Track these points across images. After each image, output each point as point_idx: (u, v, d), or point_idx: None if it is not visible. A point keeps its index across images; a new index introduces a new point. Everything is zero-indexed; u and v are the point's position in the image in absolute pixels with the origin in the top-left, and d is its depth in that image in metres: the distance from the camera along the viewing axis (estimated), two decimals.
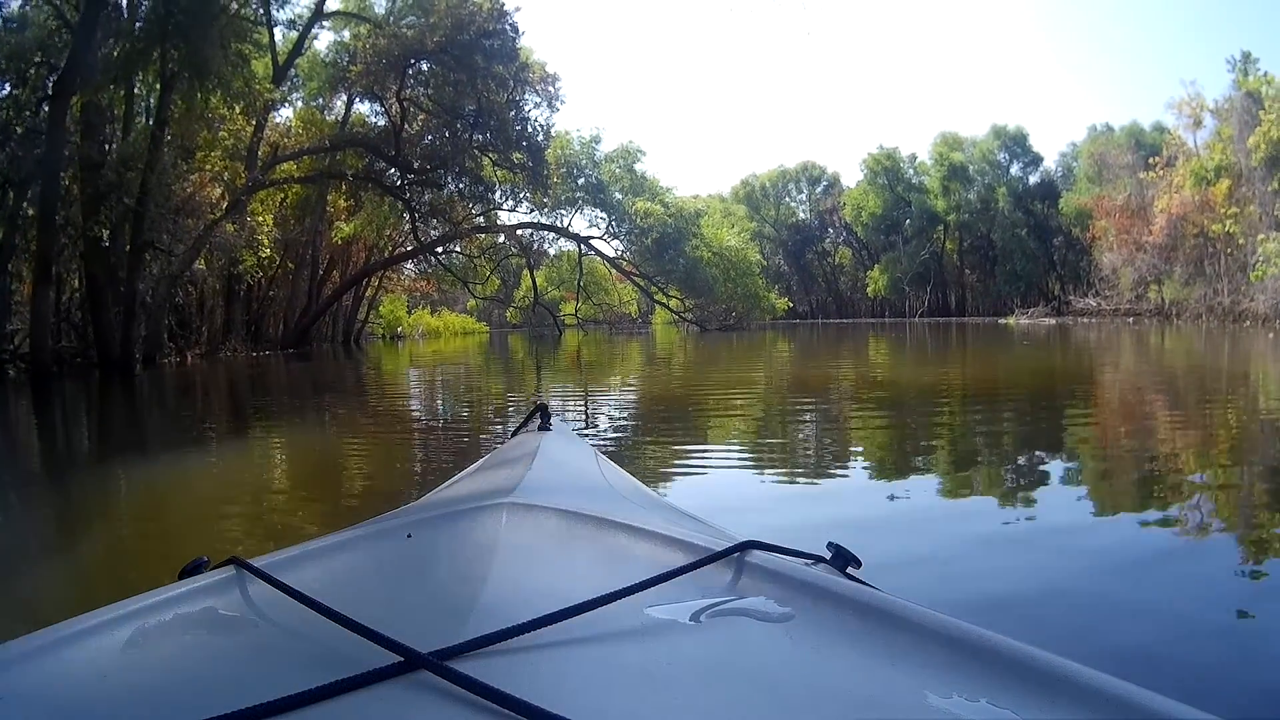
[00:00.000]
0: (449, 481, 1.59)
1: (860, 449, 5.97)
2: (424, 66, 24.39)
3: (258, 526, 3.85)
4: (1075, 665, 0.58)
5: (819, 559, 0.89)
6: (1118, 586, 2.74)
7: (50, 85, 15.51)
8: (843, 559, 0.89)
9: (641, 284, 37.46)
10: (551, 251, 42.15)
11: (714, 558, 0.79)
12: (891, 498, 4.20)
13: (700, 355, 19.65)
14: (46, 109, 15.47)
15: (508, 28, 24.19)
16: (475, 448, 5.72)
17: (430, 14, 23.33)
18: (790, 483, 4.54)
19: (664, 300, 37.38)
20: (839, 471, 4.95)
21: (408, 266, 36.44)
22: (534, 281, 36.67)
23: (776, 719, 0.55)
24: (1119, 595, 2.65)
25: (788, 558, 0.84)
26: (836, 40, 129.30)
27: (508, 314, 48.37)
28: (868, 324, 46.81)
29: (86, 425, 9.43)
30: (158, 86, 17.33)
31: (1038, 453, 5.55)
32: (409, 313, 43.85)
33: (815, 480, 4.63)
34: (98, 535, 3.89)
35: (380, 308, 39.36)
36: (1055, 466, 5.10)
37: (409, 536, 0.90)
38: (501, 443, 1.89)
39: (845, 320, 55.47)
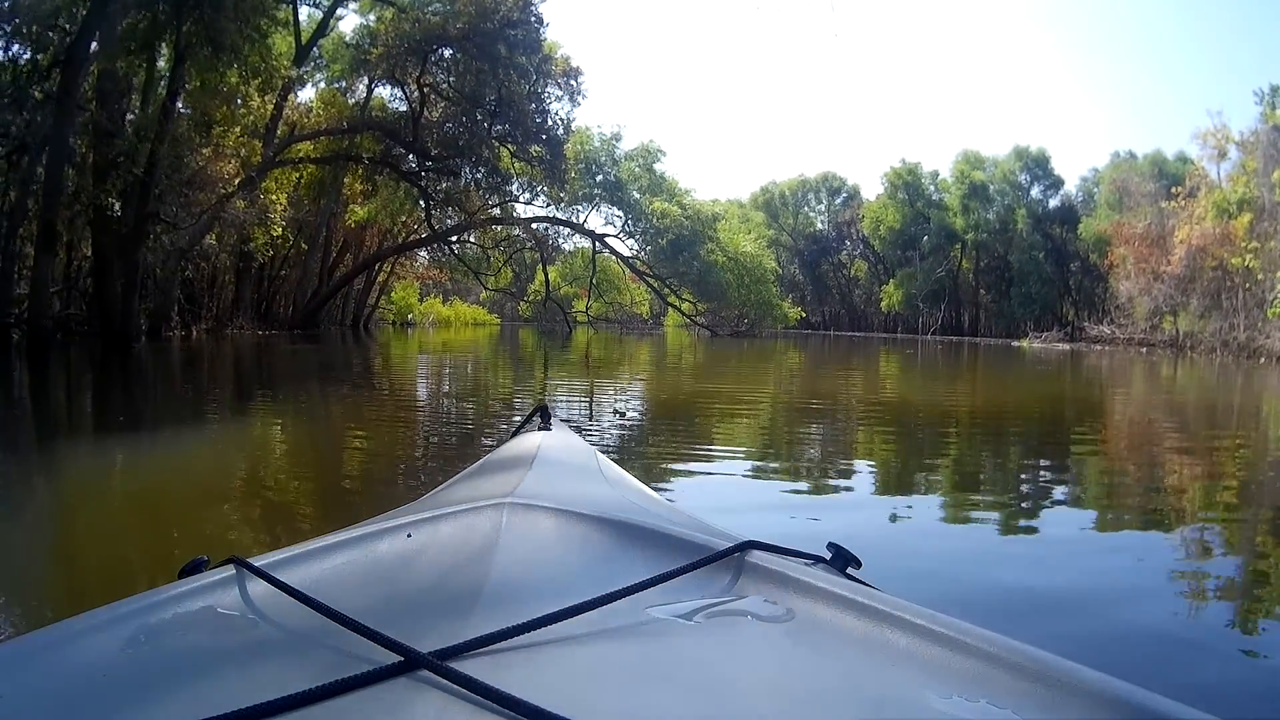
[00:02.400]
0: (449, 481, 1.58)
1: (864, 455, 5.99)
2: (446, 53, 24.41)
3: (226, 516, 3.75)
4: (1075, 665, 0.58)
5: (819, 559, 0.90)
6: (1117, 590, 2.79)
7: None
8: (843, 559, 0.90)
9: (654, 285, 37.42)
10: (566, 247, 42.14)
11: (714, 558, 0.80)
12: (892, 501, 4.22)
13: (709, 359, 19.60)
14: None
15: (533, 19, 24.20)
16: (477, 445, 5.65)
17: (455, 0, 23.30)
18: (792, 485, 4.52)
19: (676, 303, 37.37)
20: (841, 475, 4.97)
21: (421, 254, 36.52)
22: (547, 276, 36.70)
23: (776, 719, 0.56)
24: (1118, 599, 2.70)
25: (788, 558, 0.84)
26: (862, 53, 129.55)
27: (519, 307, 48.41)
28: (880, 338, 46.65)
29: (51, 396, 9.30)
30: (173, 58, 17.33)
31: (1042, 469, 5.58)
32: (420, 300, 43.92)
33: (817, 483, 4.62)
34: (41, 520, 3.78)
35: (392, 294, 39.41)
36: (1058, 482, 5.15)
37: (409, 536, 0.89)
38: (502, 442, 1.86)
39: (857, 333, 55.31)
